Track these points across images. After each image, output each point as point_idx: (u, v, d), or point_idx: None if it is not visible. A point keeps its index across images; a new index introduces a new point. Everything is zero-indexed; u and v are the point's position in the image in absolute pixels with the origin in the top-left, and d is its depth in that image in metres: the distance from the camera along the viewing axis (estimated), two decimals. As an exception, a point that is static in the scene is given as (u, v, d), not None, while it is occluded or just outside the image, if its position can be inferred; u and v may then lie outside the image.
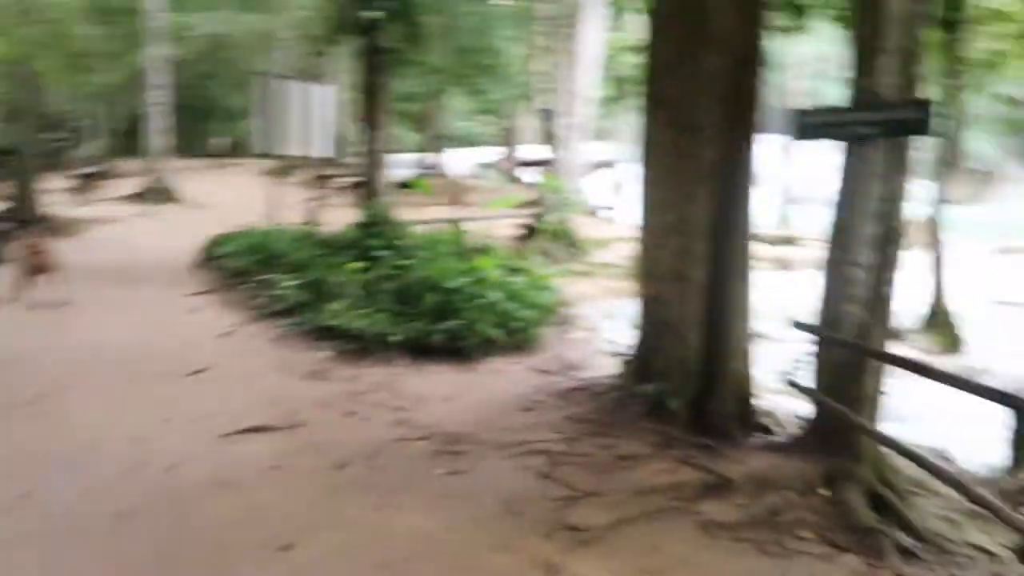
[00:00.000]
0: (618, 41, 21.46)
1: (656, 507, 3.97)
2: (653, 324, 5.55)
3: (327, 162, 23.69)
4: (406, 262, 8.08)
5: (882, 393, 4.55)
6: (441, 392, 5.94)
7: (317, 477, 4.31)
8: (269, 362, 6.46)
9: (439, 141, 25.72)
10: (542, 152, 31.59)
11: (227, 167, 26.25)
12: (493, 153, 36.55)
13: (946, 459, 5.06)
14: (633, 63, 21.43)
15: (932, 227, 15.06)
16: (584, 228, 14.45)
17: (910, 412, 5.71)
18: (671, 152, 5.35)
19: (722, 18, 5.14)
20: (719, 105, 5.21)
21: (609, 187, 20.28)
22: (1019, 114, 11.24)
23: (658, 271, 5.48)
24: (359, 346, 6.84)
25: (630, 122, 23.85)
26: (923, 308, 9.27)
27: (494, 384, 6.29)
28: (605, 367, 7.52)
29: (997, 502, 3.73)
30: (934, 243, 14.93)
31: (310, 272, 8.06)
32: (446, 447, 4.76)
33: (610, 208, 19.36)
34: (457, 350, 7.06)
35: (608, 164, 22.08)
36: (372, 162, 9.87)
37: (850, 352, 4.50)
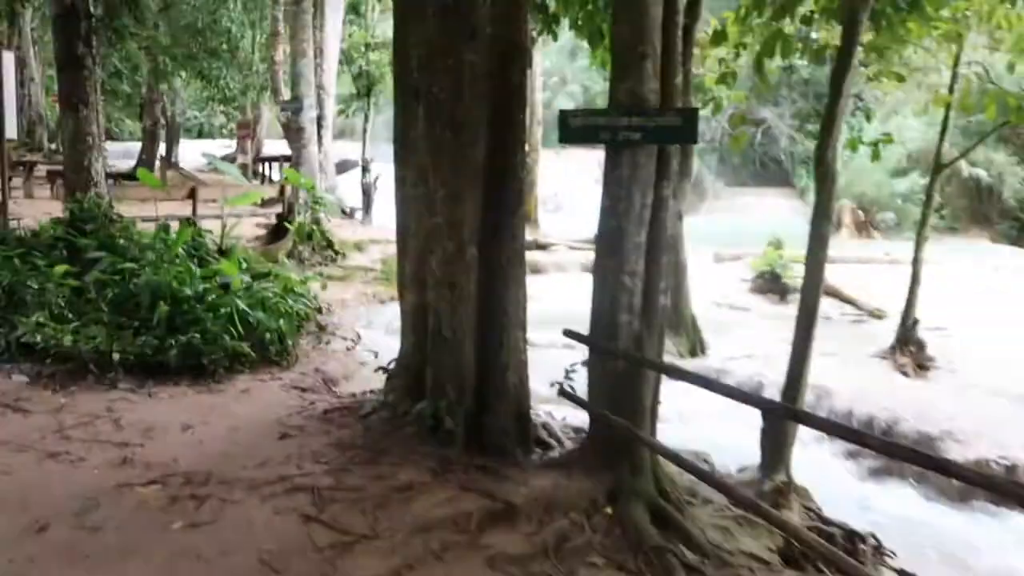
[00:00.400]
0: (358, 36, 20.89)
1: (440, 544, 3.55)
2: (422, 335, 5.15)
3: (22, 144, 20.29)
4: (129, 265, 6.87)
5: (658, 403, 4.56)
6: (178, 420, 5.02)
7: (4, 547, 3.32)
8: (-62, 394, 5.07)
9: (167, 130, 23.20)
10: (284, 148, 29.96)
11: None
12: (228, 146, 33.96)
13: (707, 463, 5.24)
14: (375, 59, 21.06)
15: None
16: (336, 229, 13.70)
17: (671, 415, 5.89)
18: (434, 150, 4.98)
19: (482, 8, 4.87)
20: (486, 102, 4.93)
21: (357, 187, 19.60)
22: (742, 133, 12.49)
23: (425, 278, 5.09)
24: (69, 367, 5.64)
25: (373, 121, 23.36)
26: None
27: (244, 407, 5.48)
28: (370, 382, 7.00)
29: (764, 505, 3.85)
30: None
31: (0, 276, 6.56)
32: (185, 491, 3.94)
33: (360, 209, 18.69)
34: (197, 367, 6.13)
35: (351, 164, 21.36)
36: (80, 146, 8.34)
37: (626, 362, 4.44)
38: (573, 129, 4.60)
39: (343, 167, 21.76)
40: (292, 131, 12.57)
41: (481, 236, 4.97)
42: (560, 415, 5.91)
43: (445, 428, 4.70)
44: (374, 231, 14.27)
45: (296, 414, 5.35)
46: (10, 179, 13.90)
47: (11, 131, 8.86)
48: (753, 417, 4.29)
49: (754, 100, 24.14)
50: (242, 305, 6.62)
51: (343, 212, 15.63)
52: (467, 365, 4.91)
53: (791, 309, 11.95)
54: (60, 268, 6.86)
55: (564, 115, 4.66)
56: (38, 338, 5.75)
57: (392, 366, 6.63)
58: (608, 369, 4.50)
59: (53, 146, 24.80)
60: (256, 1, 17.80)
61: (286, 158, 17.46)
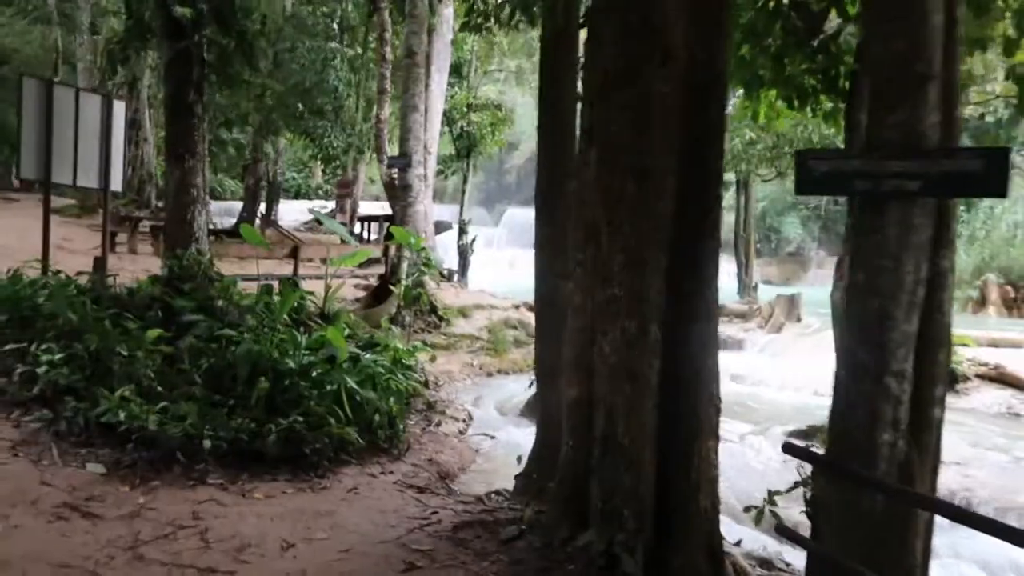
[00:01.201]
0: (461, 97, 20.52)
1: None
2: (584, 438, 4.02)
3: (131, 201, 20.53)
4: (228, 332, 6.04)
5: (930, 558, 3.26)
6: (277, 533, 4.00)
7: None
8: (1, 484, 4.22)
9: (268, 189, 23.29)
10: (382, 207, 29.84)
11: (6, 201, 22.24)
12: (324, 206, 34.26)
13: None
14: (476, 120, 20.60)
15: (793, 305, 14.98)
16: (437, 293, 12.86)
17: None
18: (610, 203, 3.93)
19: (675, 27, 3.86)
20: (675, 144, 3.88)
21: (452, 249, 18.94)
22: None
23: (592, 365, 3.98)
24: (154, 454, 4.75)
25: (471, 183, 22.82)
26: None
27: (354, 515, 4.43)
28: (491, 476, 5.91)
29: None
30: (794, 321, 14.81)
31: (87, 340, 5.82)
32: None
33: (456, 272, 17.95)
34: (299, 457, 5.15)
35: (445, 225, 20.77)
36: (183, 198, 7.73)
37: (887, 498, 3.18)
38: (816, 176, 3.44)
39: (437, 228, 21.22)
40: (398, 189, 11.93)
41: (666, 313, 3.86)
42: (732, 534, 4.68)
43: (623, 570, 3.51)
44: (478, 296, 13.36)
45: (418, 528, 4.26)
46: (115, 235, 13.76)
47: (116, 183, 8.39)
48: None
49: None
50: (351, 383, 5.66)
51: (441, 275, 14.86)
52: (647, 483, 3.74)
53: (964, 401, 10.32)
54: (152, 333, 6.09)
55: (803, 158, 3.53)
56: (121, 416, 4.88)
57: (523, 464, 5.56)
58: (857, 504, 3.25)
59: (160, 204, 25.33)
60: (362, 60, 17.63)
61: (387, 218, 16.94)
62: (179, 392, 5.49)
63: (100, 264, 8.24)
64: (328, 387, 5.77)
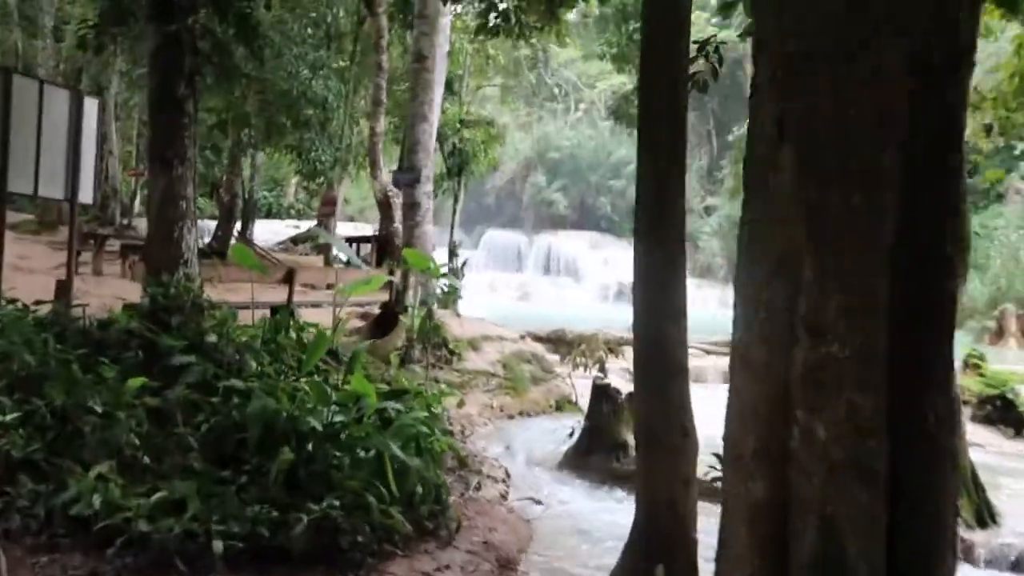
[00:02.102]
0: (452, 113, 19.42)
1: None
2: (770, 558, 2.84)
3: (93, 217, 18.95)
4: (237, 383, 4.76)
5: None
6: None
7: None
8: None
9: (244, 206, 21.87)
10: (355, 227, 28.48)
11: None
12: (297, 226, 32.80)
13: None
14: (469, 136, 19.49)
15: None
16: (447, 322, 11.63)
17: None
18: (820, 222, 2.79)
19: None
20: (899, 139, 2.78)
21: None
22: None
23: (782, 452, 2.81)
24: (144, 560, 3.46)
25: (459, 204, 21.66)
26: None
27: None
28: (562, 563, 4.77)
29: None
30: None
31: (49, 392, 4.51)
32: None
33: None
34: (333, 551, 3.90)
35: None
36: (170, 212, 6.45)
37: None
38: None
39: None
40: (404, 207, 10.74)
41: (891, 378, 2.73)
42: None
43: None
44: (481, 325, 12.13)
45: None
46: (78, 253, 12.32)
47: (86, 194, 7.06)
48: None
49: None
50: (396, 449, 4.41)
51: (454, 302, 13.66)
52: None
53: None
54: (135, 382, 4.79)
55: None
56: (96, 504, 3.58)
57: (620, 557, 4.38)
58: None
59: (126, 221, 23.72)
60: (351, 70, 16.47)
61: (376, 239, 15.67)
62: (172, 464, 4.21)
63: (64, 289, 6.89)
64: (363, 453, 4.53)
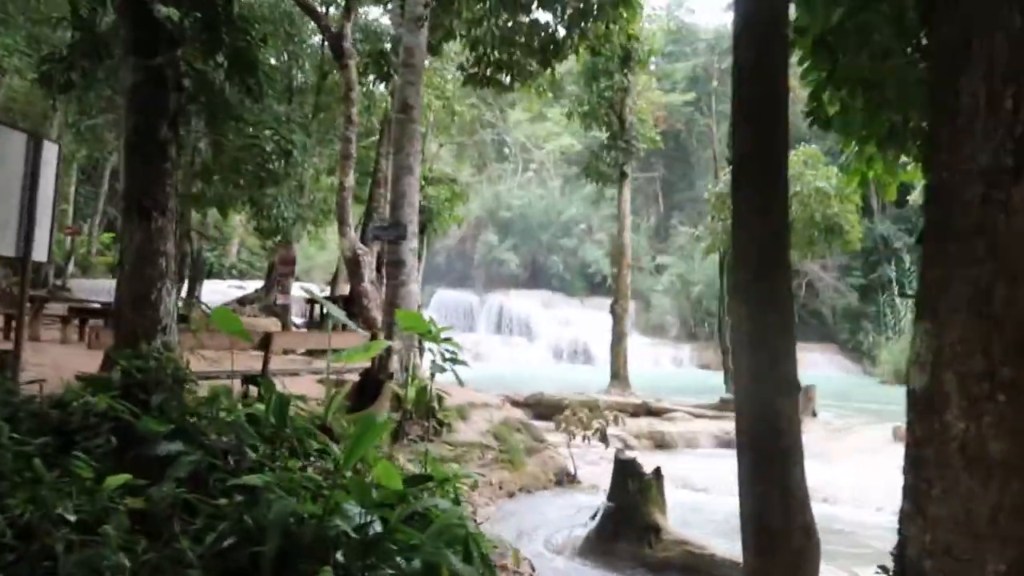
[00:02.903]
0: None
1: None
2: None
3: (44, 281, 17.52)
4: (251, 480, 3.87)
5: None
6: None
7: None
8: None
9: (192, 265, 20.68)
10: (316, 287, 27.31)
11: None
12: (241, 287, 31.46)
13: None
14: (433, 194, 18.95)
15: (808, 398, 13.61)
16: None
17: None
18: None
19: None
20: None
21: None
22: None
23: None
24: None
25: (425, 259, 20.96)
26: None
27: None
28: None
29: None
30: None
31: (5, 500, 3.56)
32: None
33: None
34: None
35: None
36: (147, 271, 5.56)
37: None
38: None
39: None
40: (389, 265, 9.93)
41: None
42: None
43: None
44: (469, 392, 11.30)
45: None
46: (10, 318, 11.10)
47: (41, 252, 6.09)
48: None
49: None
50: (455, 561, 3.58)
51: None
52: None
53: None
54: (114, 480, 3.85)
55: None
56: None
57: None
58: None
59: (59, 282, 22.18)
60: (315, 123, 15.78)
61: (343, 299, 14.75)
62: (171, 590, 3.29)
63: (11, 361, 5.88)
64: (404, 563, 3.68)
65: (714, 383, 26.11)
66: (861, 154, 6.48)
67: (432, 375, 7.09)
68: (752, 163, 3.83)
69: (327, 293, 25.62)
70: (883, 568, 3.76)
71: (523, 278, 45.97)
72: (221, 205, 14.06)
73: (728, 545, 6.84)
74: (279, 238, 17.65)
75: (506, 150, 39.95)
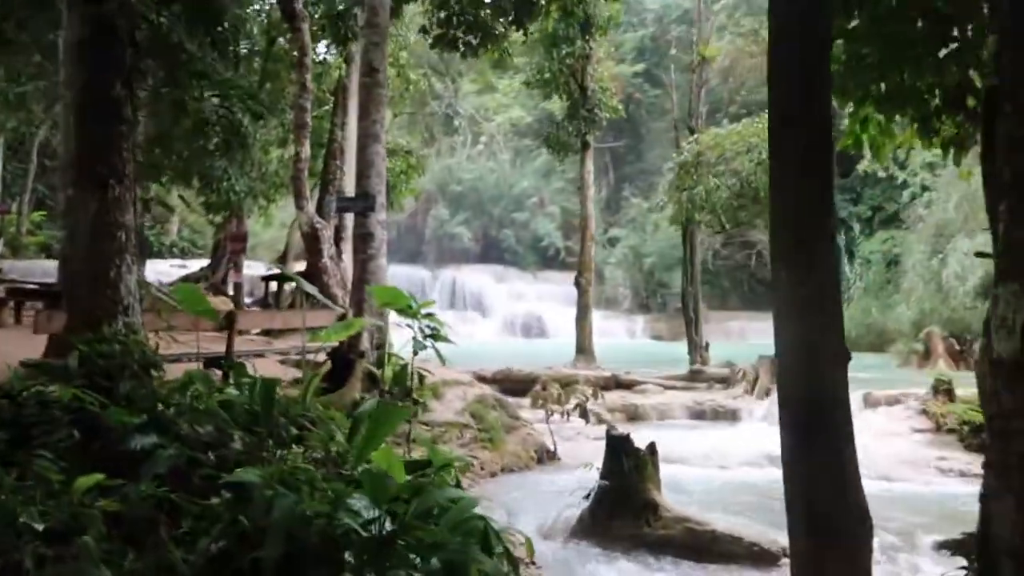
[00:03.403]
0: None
1: None
2: None
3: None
4: (248, 475, 3.44)
5: None
6: None
7: None
8: None
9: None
10: (261, 266, 26.43)
11: None
12: (183, 266, 30.29)
13: None
14: (390, 167, 18.34)
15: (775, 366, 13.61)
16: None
17: None
18: None
19: None
20: None
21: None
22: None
23: None
24: None
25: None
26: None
27: None
28: None
29: None
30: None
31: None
32: None
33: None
34: None
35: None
36: (104, 246, 5.01)
37: None
38: None
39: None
40: (357, 238, 9.41)
41: None
42: None
43: None
44: (441, 369, 10.92)
45: None
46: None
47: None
48: None
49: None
50: (484, 558, 3.24)
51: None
52: None
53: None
54: (86, 481, 3.39)
55: None
56: None
57: None
58: None
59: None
60: (270, 91, 15.01)
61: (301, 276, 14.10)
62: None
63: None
64: (423, 561, 3.33)
65: (674, 353, 26.24)
66: (856, 115, 6.27)
67: (415, 352, 6.70)
68: (793, 124, 3.52)
69: (275, 271, 24.80)
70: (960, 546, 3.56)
71: (475, 252, 45.51)
72: (184, 175, 13.17)
73: (725, 520, 6.67)
74: (227, 213, 16.86)
75: (456, 122, 39.19)
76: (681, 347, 30.52)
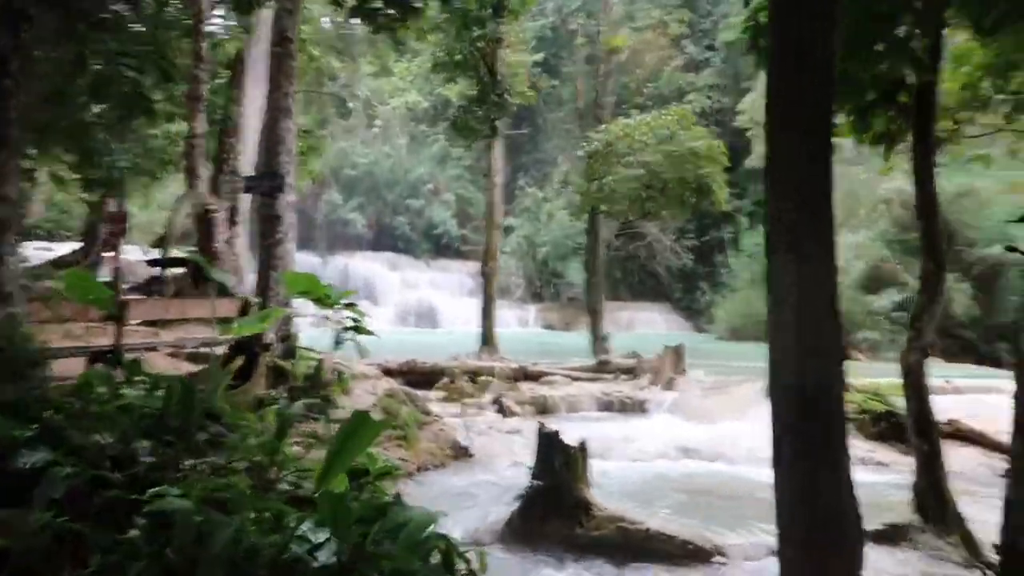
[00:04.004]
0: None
1: None
2: None
3: None
4: (174, 501, 2.92)
5: None
6: None
7: None
8: None
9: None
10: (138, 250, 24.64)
11: None
12: (49, 248, 27.86)
13: None
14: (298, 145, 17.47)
15: (679, 356, 13.79)
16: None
17: None
18: None
19: None
20: None
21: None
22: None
23: None
24: None
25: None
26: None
27: None
28: None
29: None
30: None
31: None
32: None
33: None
34: None
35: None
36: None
37: None
38: None
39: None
40: (262, 220, 8.70)
41: None
42: None
43: None
44: (348, 363, 10.36)
45: None
46: None
47: None
48: None
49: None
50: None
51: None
52: None
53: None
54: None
55: None
56: None
57: None
58: None
59: None
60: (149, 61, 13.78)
61: (187, 262, 13.07)
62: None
63: None
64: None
65: (571, 343, 26.44)
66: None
67: (338, 345, 6.19)
68: (796, 107, 3.33)
69: (152, 256, 23.15)
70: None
71: (368, 239, 44.39)
72: (69, 143, 11.75)
73: (658, 518, 6.56)
74: (106, 191, 15.47)
75: (351, 104, 37.92)
76: (575, 337, 30.84)
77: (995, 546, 3.15)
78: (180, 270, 13.56)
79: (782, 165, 3.28)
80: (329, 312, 6.65)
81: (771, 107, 3.30)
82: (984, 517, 6.78)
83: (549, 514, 6.22)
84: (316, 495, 3.24)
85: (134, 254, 24.30)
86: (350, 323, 6.60)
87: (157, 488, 3.13)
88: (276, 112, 8.57)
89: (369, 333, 6.58)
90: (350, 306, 6.60)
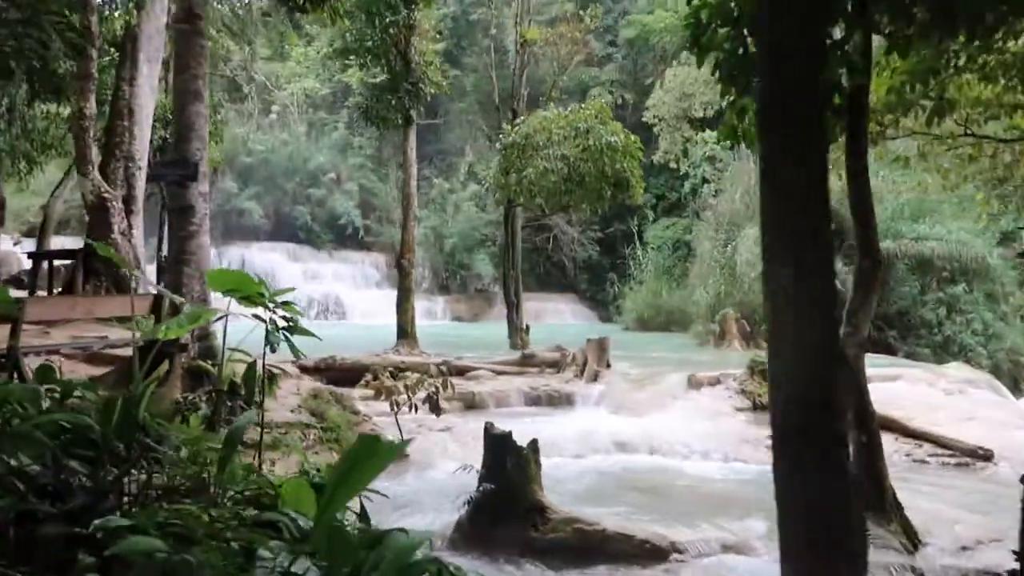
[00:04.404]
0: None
1: None
2: None
3: None
4: (124, 547, 2.47)
5: None
6: None
7: None
8: None
9: None
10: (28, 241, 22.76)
11: None
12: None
13: None
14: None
15: (603, 349, 13.79)
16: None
17: None
18: None
19: None
20: None
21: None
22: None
23: None
24: None
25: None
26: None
27: None
28: None
29: None
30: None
31: None
32: None
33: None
34: None
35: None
36: None
37: None
38: None
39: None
40: (172, 212, 7.99)
41: None
42: None
43: None
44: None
45: None
46: None
47: None
48: None
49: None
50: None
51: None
52: None
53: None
54: None
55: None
56: None
57: None
58: None
59: None
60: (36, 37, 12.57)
61: (82, 255, 12.01)
62: None
63: None
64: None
65: (483, 335, 26.22)
66: (734, 106, 6.24)
67: (273, 347, 5.70)
68: (785, 108, 3.19)
69: (26, 248, 21.38)
70: None
71: (266, 229, 42.63)
72: None
73: (613, 518, 6.42)
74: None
75: (246, 89, 36.23)
76: (488, 328, 30.63)
77: (1013, 552, 3.13)
78: (66, 262, 12.47)
79: (771, 174, 3.15)
80: (260, 311, 6.15)
81: (762, 111, 3.17)
82: (915, 503, 6.99)
83: (502, 518, 5.98)
84: (313, 528, 2.85)
85: (5, 244, 22.36)
86: (283, 323, 6.13)
87: (101, 520, 2.68)
88: (185, 95, 7.88)
89: (308, 334, 6.12)
90: (286, 304, 6.13)
